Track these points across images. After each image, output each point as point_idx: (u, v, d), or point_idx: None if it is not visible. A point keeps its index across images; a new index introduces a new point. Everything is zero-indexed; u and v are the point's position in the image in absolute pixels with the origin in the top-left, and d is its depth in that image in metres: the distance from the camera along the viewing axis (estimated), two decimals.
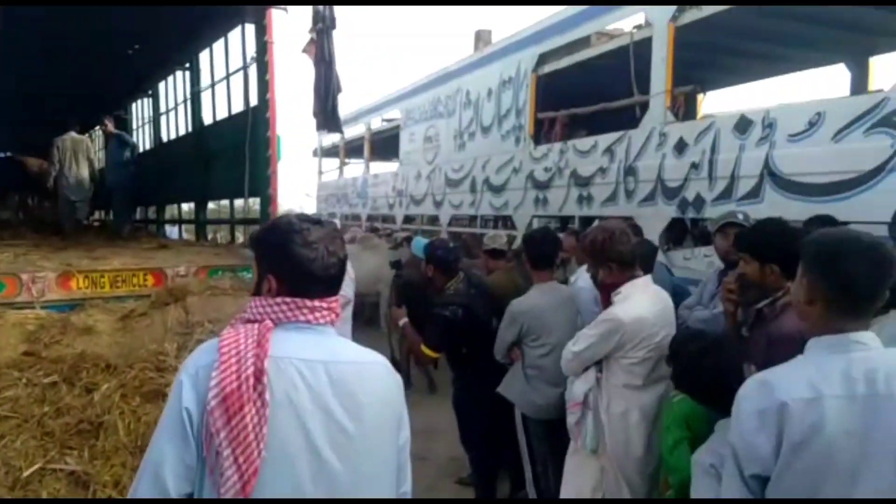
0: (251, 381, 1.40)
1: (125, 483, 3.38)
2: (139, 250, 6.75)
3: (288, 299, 1.53)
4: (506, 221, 9.19)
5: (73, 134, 8.80)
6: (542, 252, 3.91)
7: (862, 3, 5.44)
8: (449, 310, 3.95)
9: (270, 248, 1.59)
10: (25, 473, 3.26)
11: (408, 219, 12.46)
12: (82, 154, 8.76)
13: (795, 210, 4.54)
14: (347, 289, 5.55)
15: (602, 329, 3.02)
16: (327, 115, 5.70)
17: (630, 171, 6.57)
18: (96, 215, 12.62)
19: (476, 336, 4.00)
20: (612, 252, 3.05)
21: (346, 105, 16.54)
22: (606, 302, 3.17)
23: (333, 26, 5.60)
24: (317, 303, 1.55)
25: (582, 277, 3.88)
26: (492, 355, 3.94)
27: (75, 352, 4.22)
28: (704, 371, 2.45)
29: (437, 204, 10.97)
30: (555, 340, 3.62)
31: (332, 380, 1.50)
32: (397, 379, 1.69)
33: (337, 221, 6.15)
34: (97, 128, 12.04)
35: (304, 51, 5.69)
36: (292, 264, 1.54)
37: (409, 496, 1.71)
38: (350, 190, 16.01)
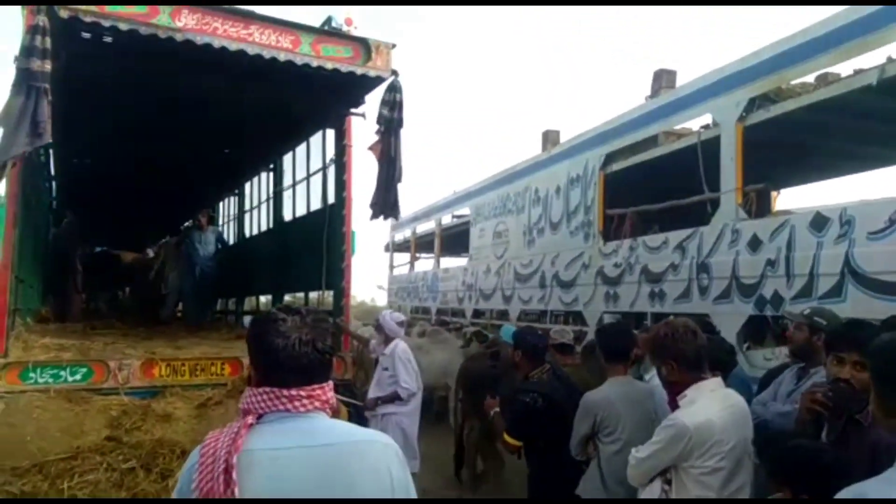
0: (221, 479, 1.45)
1: None
2: (218, 340, 7.02)
3: (267, 389, 1.57)
4: (575, 317, 9.10)
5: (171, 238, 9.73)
6: (617, 345, 3.80)
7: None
8: (529, 396, 3.89)
9: (251, 340, 1.64)
10: None
11: (477, 313, 12.50)
12: (180, 254, 9.84)
13: (880, 309, 4.34)
14: (411, 380, 5.59)
15: (665, 435, 2.85)
16: (386, 205, 5.89)
17: (703, 267, 6.47)
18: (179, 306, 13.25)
19: (555, 428, 3.87)
20: (674, 349, 2.93)
21: (417, 201, 17.16)
22: (674, 404, 3.03)
23: (401, 125, 5.86)
24: (293, 391, 1.57)
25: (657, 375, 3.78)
26: (570, 451, 3.80)
27: (154, 438, 4.38)
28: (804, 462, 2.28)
29: (507, 299, 11.00)
30: (627, 437, 3.47)
31: (315, 464, 1.52)
32: (397, 456, 1.66)
33: (400, 315, 6.24)
34: (187, 223, 12.81)
35: (370, 148, 5.94)
36: (265, 354, 1.59)
37: None
38: (420, 284, 16.26)
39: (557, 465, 3.90)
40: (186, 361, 5.45)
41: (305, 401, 1.58)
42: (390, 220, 18.77)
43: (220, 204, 13.27)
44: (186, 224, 9.94)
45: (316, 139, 7.69)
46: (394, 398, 5.50)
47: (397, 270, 19.00)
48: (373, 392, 5.72)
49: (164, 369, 5.33)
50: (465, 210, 14.29)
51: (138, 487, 3.85)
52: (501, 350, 5.84)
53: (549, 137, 11.45)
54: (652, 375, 4.07)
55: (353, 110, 6.52)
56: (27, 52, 4.31)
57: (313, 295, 8.32)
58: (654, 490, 2.95)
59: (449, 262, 16.09)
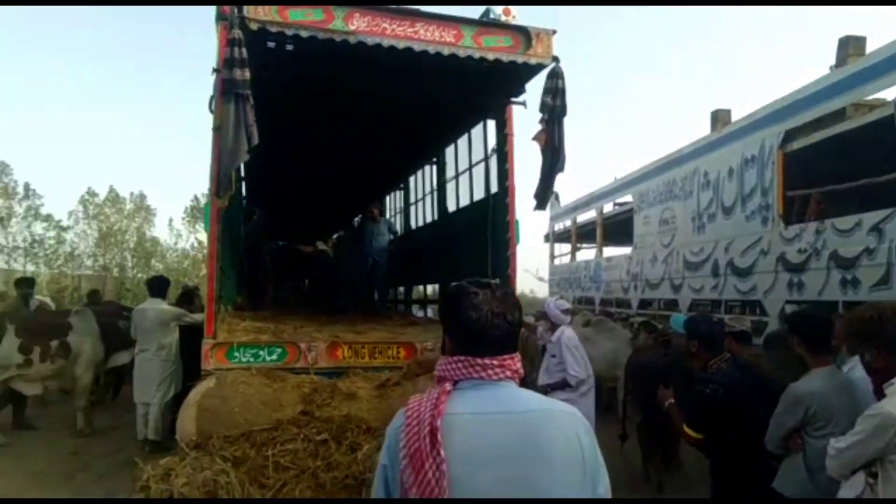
0: (427, 439, 1.54)
1: None
2: (392, 326, 7.41)
3: (462, 357, 1.68)
4: (753, 307, 8.56)
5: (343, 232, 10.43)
6: (822, 334, 3.51)
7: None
8: (710, 387, 3.73)
9: (446, 312, 1.76)
10: None
11: (643, 303, 12.14)
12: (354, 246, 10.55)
13: None
14: (579, 367, 5.56)
15: (868, 425, 2.66)
16: (546, 196, 5.86)
17: None
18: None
19: (738, 419, 3.67)
20: (881, 333, 2.72)
21: (577, 189, 16.92)
22: (879, 392, 2.81)
23: (564, 113, 5.80)
24: (487, 360, 1.66)
25: (858, 367, 3.47)
26: (757, 446, 3.58)
27: (342, 414, 4.73)
28: None
29: (676, 288, 10.58)
30: (840, 431, 3.17)
31: (510, 430, 1.58)
32: (585, 426, 1.70)
33: (564, 302, 6.19)
34: (359, 218, 13.59)
35: (535, 138, 5.91)
36: (460, 325, 1.69)
37: None
38: (583, 274, 16.07)
39: (741, 457, 3.70)
40: (366, 345, 5.81)
41: (498, 369, 1.67)
42: (549, 211, 18.78)
43: (387, 198, 13.94)
44: (359, 217, 10.44)
45: (477, 130, 7.86)
46: (563, 385, 5.51)
47: (558, 261, 18.90)
48: (541, 380, 5.76)
49: (347, 351, 5.71)
50: (627, 197, 13.91)
51: (331, 458, 4.18)
52: (672, 340, 5.63)
53: (719, 117, 10.83)
54: (852, 367, 3.74)
55: (513, 99, 6.58)
56: (229, 63, 4.81)
57: None
58: (856, 484, 2.75)
59: (612, 252, 15.74)
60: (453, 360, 1.69)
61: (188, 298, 8.71)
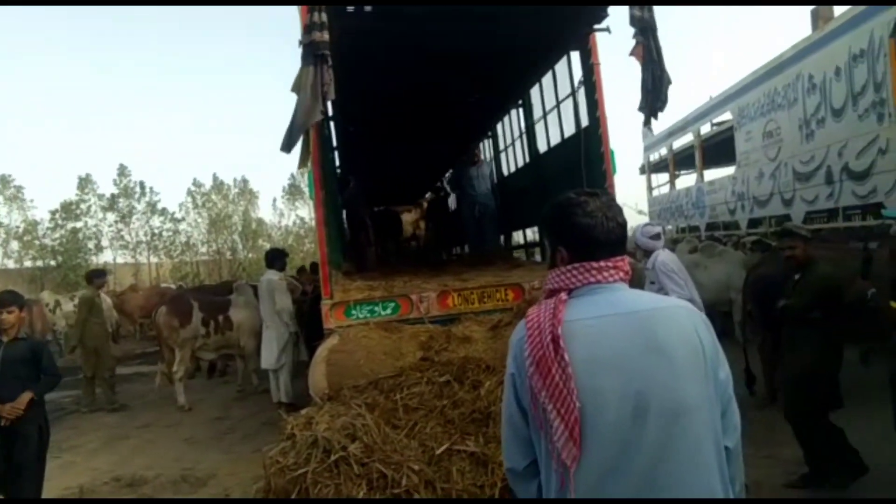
0: (550, 346, 1.60)
1: None
2: (498, 270, 7.50)
3: (577, 265, 1.72)
4: (875, 210, 8.04)
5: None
6: None
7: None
8: None
9: (556, 223, 1.79)
10: (438, 452, 3.90)
11: (753, 222, 11.63)
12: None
13: None
14: (679, 289, 5.31)
15: None
16: (656, 108, 5.63)
17: None
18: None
19: None
20: None
21: (668, 117, 16.22)
22: None
23: (655, 26, 5.56)
24: (602, 263, 1.71)
25: None
26: None
27: (460, 356, 4.91)
28: None
29: (787, 202, 10.07)
30: None
31: (627, 329, 1.62)
32: (701, 318, 1.72)
33: (652, 227, 5.94)
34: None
35: (632, 54, 5.68)
36: (576, 233, 1.73)
37: (734, 448, 1.72)
38: (684, 201, 15.54)
39: None
40: (475, 290, 5.95)
41: (612, 271, 1.72)
42: (643, 142, 18.16)
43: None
44: (460, 162, 10.41)
45: (561, 66, 7.69)
46: None
47: (656, 192, 18.34)
48: None
49: (457, 299, 5.88)
50: (725, 116, 13.25)
51: (456, 396, 4.36)
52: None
53: (821, 14, 10.08)
54: None
55: (595, 27, 6.39)
56: (308, 28, 4.95)
57: None
58: None
59: (713, 174, 15.10)
60: (567, 270, 1.74)
61: (314, 270, 9.32)
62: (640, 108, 5.73)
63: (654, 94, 5.65)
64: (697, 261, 8.92)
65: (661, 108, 5.64)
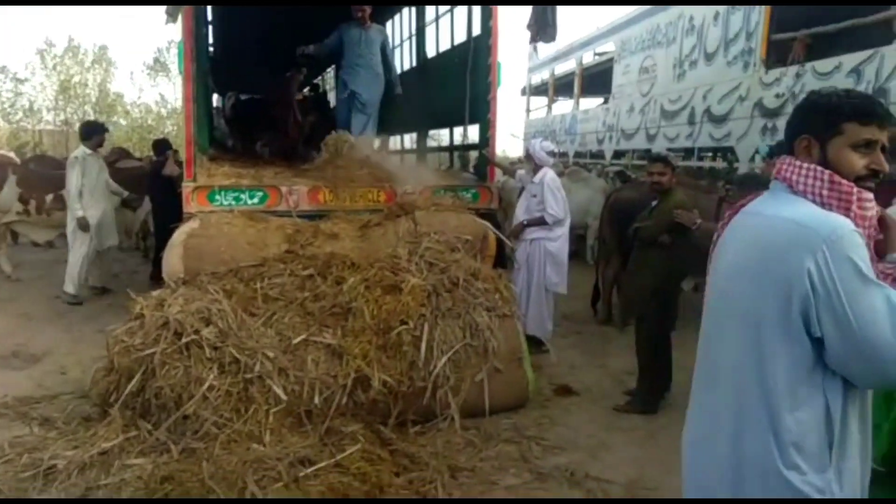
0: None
1: (371, 357, 3.91)
2: (372, 170, 7.38)
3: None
4: (726, 153, 8.69)
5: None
6: None
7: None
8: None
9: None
10: (294, 341, 3.90)
11: (618, 154, 12.22)
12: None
13: None
14: (559, 207, 5.73)
15: None
16: (544, 26, 5.68)
17: (879, 93, 5.88)
18: None
19: None
20: None
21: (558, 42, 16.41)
22: None
23: None
24: None
25: None
26: None
27: (326, 252, 4.86)
28: None
29: (651, 137, 10.63)
30: None
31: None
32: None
33: (550, 144, 6.22)
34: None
35: None
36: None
37: None
38: (558, 127, 15.97)
39: None
40: (346, 188, 5.85)
41: None
42: (529, 63, 18.25)
43: None
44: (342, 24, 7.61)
45: None
46: (540, 222, 5.68)
47: (533, 115, 18.68)
48: (519, 217, 5.92)
49: (328, 195, 5.76)
50: (608, 46, 13.56)
51: (318, 290, 4.35)
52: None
53: None
54: None
55: None
56: None
57: (457, 131, 8.44)
58: None
59: (590, 104, 15.56)
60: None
61: (157, 149, 8.58)
62: (528, 26, 5.75)
63: (543, 14, 5.67)
64: (564, 184, 9.27)
65: (551, 38, 5.70)
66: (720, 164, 8.61)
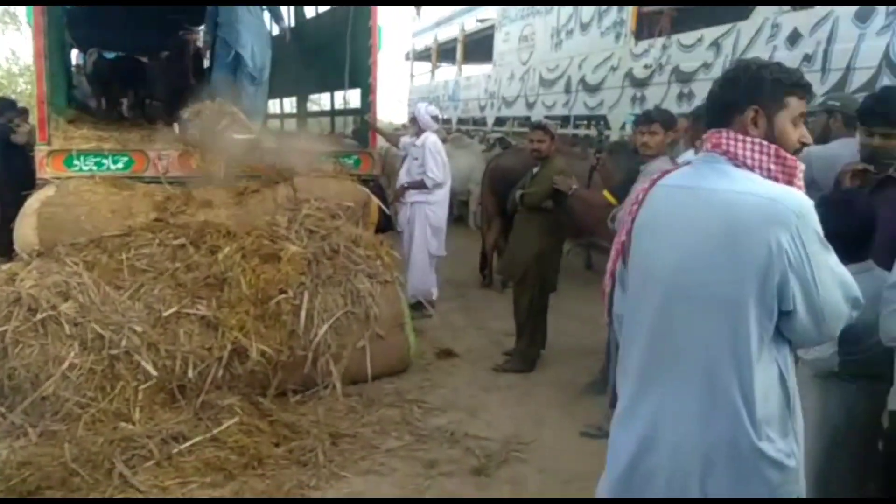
0: (636, 205, 1.70)
1: (248, 328, 3.81)
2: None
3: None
4: (598, 121, 9.05)
5: None
6: None
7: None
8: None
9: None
10: (165, 314, 3.73)
11: (499, 121, 12.43)
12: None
13: None
14: (439, 171, 5.80)
15: None
16: None
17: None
18: None
19: None
20: None
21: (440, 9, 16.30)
22: None
23: None
24: None
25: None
26: None
27: (199, 220, 4.64)
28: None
29: (530, 105, 10.88)
30: None
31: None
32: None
33: (435, 109, 6.30)
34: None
35: None
36: None
37: None
38: (441, 93, 16.00)
39: None
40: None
41: None
42: (412, 28, 18.08)
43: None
44: None
45: None
46: (420, 185, 5.72)
47: (417, 80, 18.60)
48: (401, 180, 5.95)
49: (201, 161, 5.48)
50: (491, 13, 13.65)
51: (190, 260, 4.15)
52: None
53: None
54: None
55: None
56: None
57: (338, 95, 8.26)
58: None
59: (472, 70, 15.67)
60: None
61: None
62: None
63: None
64: (447, 150, 9.35)
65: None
66: (594, 132, 8.94)
